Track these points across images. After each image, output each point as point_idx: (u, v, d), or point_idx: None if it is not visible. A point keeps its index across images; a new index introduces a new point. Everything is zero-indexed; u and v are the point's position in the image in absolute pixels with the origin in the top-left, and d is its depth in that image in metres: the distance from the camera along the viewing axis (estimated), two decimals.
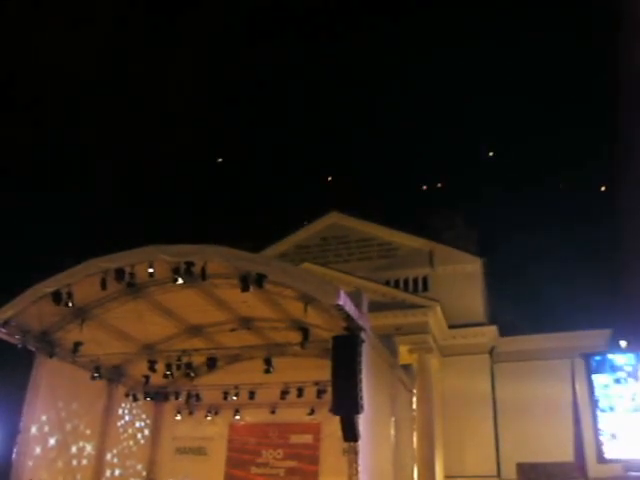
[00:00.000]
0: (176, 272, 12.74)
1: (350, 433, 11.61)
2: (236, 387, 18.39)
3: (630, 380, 19.28)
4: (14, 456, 14.31)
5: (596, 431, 19.07)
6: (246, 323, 16.08)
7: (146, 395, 18.69)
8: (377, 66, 53.11)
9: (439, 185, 44.36)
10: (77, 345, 15.06)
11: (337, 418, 11.75)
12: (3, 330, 14.00)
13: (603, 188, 38.70)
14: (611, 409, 19.17)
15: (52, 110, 43.37)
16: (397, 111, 54.08)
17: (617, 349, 23.64)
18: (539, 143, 45.26)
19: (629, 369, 19.38)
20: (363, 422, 11.69)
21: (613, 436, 18.75)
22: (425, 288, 30.51)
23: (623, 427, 18.94)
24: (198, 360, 17.04)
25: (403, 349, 21.82)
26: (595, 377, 19.60)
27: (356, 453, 11.82)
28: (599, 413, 19.21)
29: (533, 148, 45.50)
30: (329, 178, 44.44)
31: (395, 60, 52.87)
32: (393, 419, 15.70)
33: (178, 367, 16.56)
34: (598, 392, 19.38)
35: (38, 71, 40.51)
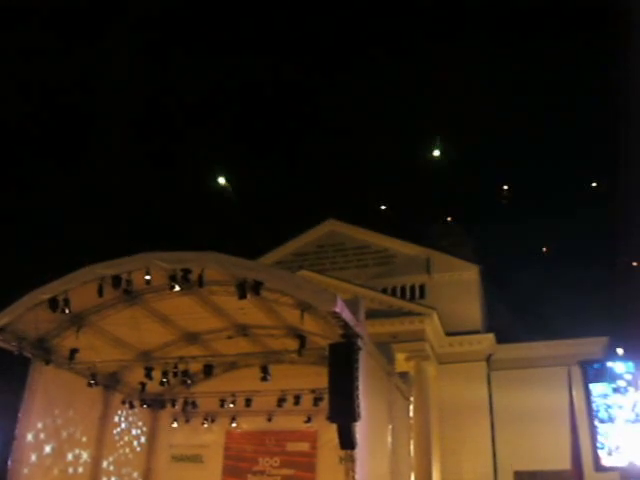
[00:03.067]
0: (173, 279, 12.73)
1: (347, 441, 11.58)
2: (233, 394, 18.33)
3: (630, 389, 19.20)
4: (9, 463, 14.23)
5: (593, 439, 19.04)
6: (243, 330, 16.06)
7: (142, 402, 18.65)
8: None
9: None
10: (73, 352, 15.00)
11: (334, 426, 11.72)
12: None
13: (595, 184, 38.69)
14: (611, 419, 19.10)
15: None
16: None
17: (614, 357, 23.66)
18: (538, 148, 45.47)
19: (629, 377, 19.31)
20: (360, 430, 11.66)
21: (616, 449, 18.68)
22: (422, 296, 30.53)
23: (624, 438, 18.87)
24: (195, 367, 16.99)
25: (400, 357, 21.79)
26: (593, 386, 19.55)
27: (353, 461, 11.79)
28: (599, 424, 19.15)
29: (532, 154, 45.69)
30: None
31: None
32: (390, 427, 15.66)
33: (174, 374, 16.50)
34: (597, 402, 19.33)
35: None
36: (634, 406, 19.05)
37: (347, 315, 11.74)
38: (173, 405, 19.11)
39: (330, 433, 12.94)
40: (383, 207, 41.75)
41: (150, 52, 46.60)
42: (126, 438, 18.57)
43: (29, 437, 14.72)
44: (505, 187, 39.83)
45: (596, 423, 19.11)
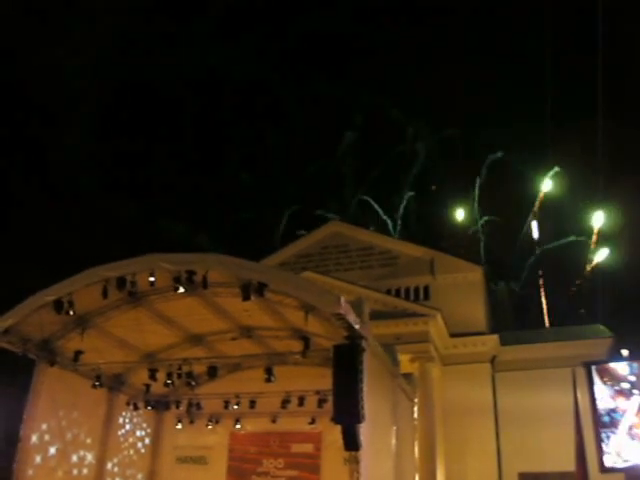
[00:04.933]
0: (177, 281, 12.71)
1: (351, 442, 11.55)
2: (237, 396, 18.33)
3: (635, 391, 19.14)
4: (14, 465, 14.25)
5: (598, 440, 19.00)
6: (247, 332, 16.04)
7: (147, 404, 18.64)
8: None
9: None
10: (78, 354, 15.01)
11: (338, 427, 11.69)
12: (3, 339, 13.96)
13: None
14: (615, 420, 19.03)
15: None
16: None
17: (618, 358, 23.60)
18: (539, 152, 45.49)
19: (633, 379, 19.25)
20: (364, 431, 11.64)
21: (620, 450, 18.63)
22: (426, 297, 30.52)
23: (628, 439, 18.81)
24: (199, 369, 16.99)
25: (404, 358, 21.76)
26: (598, 387, 19.51)
27: (357, 462, 11.76)
28: (603, 425, 19.09)
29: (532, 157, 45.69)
30: None
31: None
32: (394, 428, 15.63)
33: (179, 376, 16.48)
34: (601, 403, 19.27)
35: None
36: (638, 407, 19.00)
37: (351, 316, 11.72)
38: (177, 406, 19.10)
39: (334, 434, 12.92)
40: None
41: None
42: (130, 439, 18.58)
43: (34, 438, 14.71)
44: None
45: (600, 424, 19.06)
